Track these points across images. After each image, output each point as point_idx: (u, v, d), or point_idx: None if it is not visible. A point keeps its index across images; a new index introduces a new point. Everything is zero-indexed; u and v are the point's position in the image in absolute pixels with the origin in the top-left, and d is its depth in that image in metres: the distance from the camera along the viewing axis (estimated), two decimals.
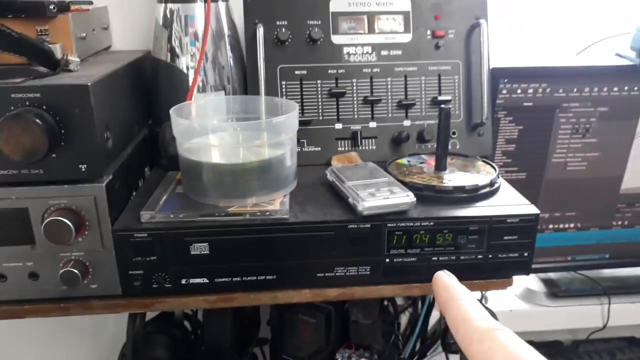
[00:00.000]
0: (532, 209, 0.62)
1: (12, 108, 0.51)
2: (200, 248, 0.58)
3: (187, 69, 0.73)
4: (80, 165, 0.54)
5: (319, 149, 0.77)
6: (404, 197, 0.60)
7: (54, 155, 0.53)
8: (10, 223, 0.55)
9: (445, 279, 0.32)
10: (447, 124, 0.67)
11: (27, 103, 0.51)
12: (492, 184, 0.66)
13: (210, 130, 0.63)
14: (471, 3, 0.79)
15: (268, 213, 0.59)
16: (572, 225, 1.02)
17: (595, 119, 0.93)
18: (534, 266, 0.64)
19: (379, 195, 0.60)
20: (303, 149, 0.77)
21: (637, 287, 1.09)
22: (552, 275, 1.11)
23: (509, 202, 0.64)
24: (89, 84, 0.52)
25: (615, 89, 0.91)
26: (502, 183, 0.68)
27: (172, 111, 0.61)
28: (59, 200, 0.55)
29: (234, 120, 0.71)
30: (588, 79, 0.90)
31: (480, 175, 0.68)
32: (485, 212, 0.61)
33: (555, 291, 1.07)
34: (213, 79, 0.74)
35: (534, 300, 1.07)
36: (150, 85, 0.76)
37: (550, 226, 1.01)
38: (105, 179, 0.56)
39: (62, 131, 0.53)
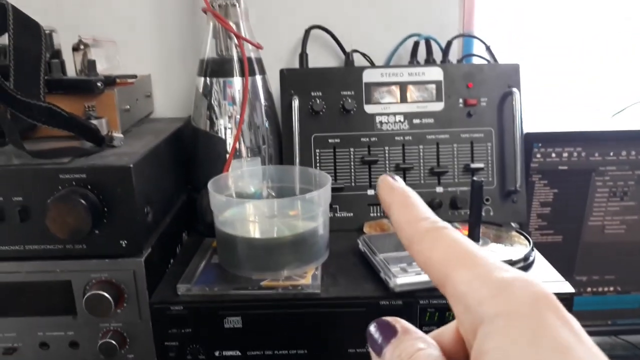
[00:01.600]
0: (567, 287, 0.60)
1: (60, 188, 0.54)
2: (233, 322, 0.59)
3: (225, 134, 0.76)
4: (121, 241, 0.56)
5: (352, 214, 0.78)
6: None
7: (96, 232, 0.55)
8: (54, 294, 0.57)
9: (390, 182, 0.31)
10: (479, 196, 0.67)
11: (74, 183, 0.54)
12: (526, 258, 0.65)
13: (245, 203, 0.64)
14: (503, 71, 0.80)
15: (300, 287, 0.59)
16: (611, 288, 0.99)
17: (634, 182, 0.91)
18: None
19: (410, 271, 0.60)
20: (336, 214, 0.78)
21: None
22: (592, 339, 1.07)
23: (544, 279, 0.62)
24: (131, 165, 0.54)
25: None
26: (537, 256, 0.67)
27: (209, 185, 0.63)
28: (100, 274, 0.57)
29: (270, 188, 0.73)
30: (624, 143, 0.88)
31: (514, 247, 0.67)
32: None
33: None
34: (250, 143, 0.77)
35: None
36: (190, 153, 0.79)
37: (589, 289, 0.98)
38: (144, 253, 0.58)
39: (105, 209, 0.55)
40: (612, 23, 0.96)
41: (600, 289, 0.98)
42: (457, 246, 0.25)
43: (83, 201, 0.52)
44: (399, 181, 0.31)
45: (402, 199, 0.29)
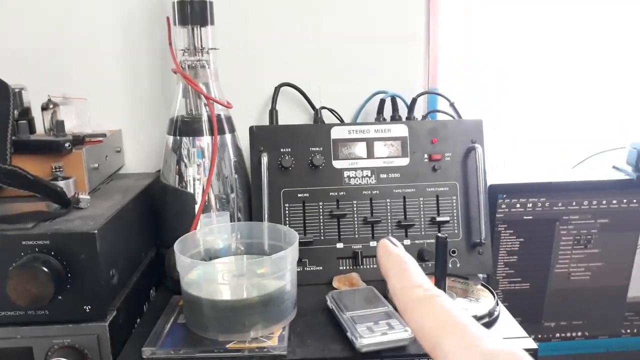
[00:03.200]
0: (531, 343, 0.61)
1: (22, 254, 0.54)
2: None
3: (194, 189, 0.76)
4: (85, 307, 0.56)
5: (321, 268, 0.79)
6: (402, 333, 0.60)
7: (59, 297, 0.55)
8: None
9: (389, 247, 0.31)
10: (444, 251, 0.68)
11: (37, 249, 0.54)
12: (490, 313, 0.66)
13: (211, 264, 0.65)
14: (467, 127, 0.82)
15: (266, 349, 0.59)
16: (579, 333, 1.00)
17: (597, 230, 0.93)
18: None
19: (377, 330, 0.60)
20: (305, 268, 0.78)
21: None
22: None
23: (508, 335, 0.63)
24: (95, 231, 0.55)
25: (614, 201, 0.92)
26: (502, 311, 0.68)
27: (175, 246, 0.63)
28: (63, 340, 0.56)
29: (239, 243, 0.73)
30: (586, 193, 0.91)
31: (480, 302, 0.68)
32: None
33: None
34: (218, 191, 0.77)
35: None
36: (159, 208, 0.79)
37: (557, 335, 0.99)
38: (108, 317, 0.58)
39: (69, 275, 0.55)
40: (572, 77, 1.01)
41: (568, 334, 1.00)
42: (447, 315, 0.26)
43: (45, 269, 0.52)
44: (398, 247, 0.32)
45: (398, 265, 0.30)
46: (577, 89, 1.01)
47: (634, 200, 0.92)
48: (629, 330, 1.01)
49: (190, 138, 0.76)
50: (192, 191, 0.76)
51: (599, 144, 1.01)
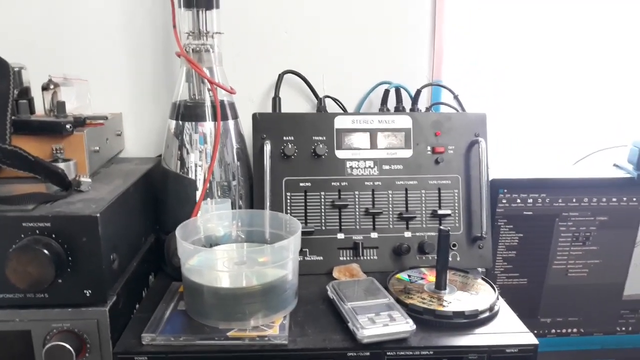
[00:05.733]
0: (531, 339, 0.61)
1: (22, 236, 0.53)
2: None
3: (195, 175, 0.75)
4: (85, 291, 0.55)
5: (321, 258, 0.78)
6: (404, 325, 0.60)
7: (59, 281, 0.54)
8: (12, 345, 0.56)
9: None
10: (446, 244, 0.69)
11: (37, 232, 0.53)
12: (491, 308, 0.66)
13: (213, 251, 0.64)
14: (470, 120, 0.82)
15: (267, 338, 0.59)
16: (575, 330, 1.00)
17: (595, 228, 0.93)
18: None
19: (378, 322, 0.60)
20: (306, 257, 0.78)
21: None
22: None
23: (508, 330, 0.63)
24: (97, 214, 0.54)
25: (614, 199, 0.92)
26: (502, 305, 0.68)
27: (177, 231, 0.62)
28: (62, 324, 0.55)
29: (239, 231, 0.73)
30: (587, 190, 0.91)
31: (480, 296, 0.68)
32: (484, 340, 0.61)
33: None
34: (220, 178, 0.76)
35: None
36: (159, 194, 0.78)
37: (553, 331, 1.00)
38: (108, 302, 0.57)
39: (70, 258, 0.54)
40: (576, 73, 1.00)
41: (564, 331, 1.00)
42: None
43: (46, 251, 0.51)
44: None
45: None
46: (581, 86, 1.01)
47: (634, 199, 0.93)
48: (624, 328, 1.01)
49: (193, 123, 0.75)
50: (193, 177, 0.75)
51: (601, 142, 1.00)
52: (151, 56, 0.88)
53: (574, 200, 0.92)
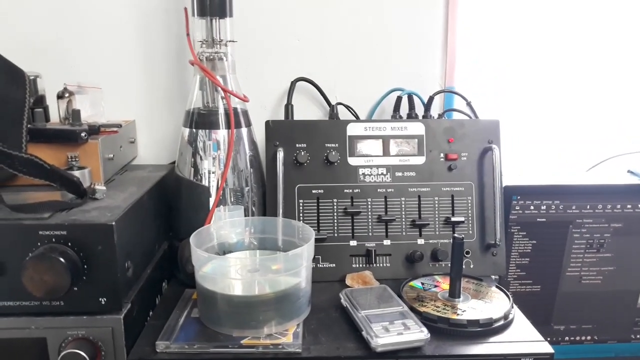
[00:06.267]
0: (547, 348, 0.61)
1: (38, 244, 0.53)
2: None
3: (209, 182, 0.76)
4: (100, 299, 0.55)
5: (334, 265, 0.78)
6: (419, 334, 0.60)
7: (75, 289, 0.55)
8: (28, 352, 0.56)
9: None
10: (460, 252, 0.68)
11: (53, 240, 0.53)
12: (506, 316, 0.65)
13: (226, 259, 0.64)
14: (484, 127, 0.82)
15: (281, 346, 0.59)
16: (589, 337, 0.99)
17: (610, 235, 0.93)
18: None
19: (393, 330, 0.60)
20: (318, 265, 0.78)
21: None
22: None
23: (523, 338, 0.63)
24: (113, 222, 0.54)
25: (629, 206, 0.91)
26: (516, 313, 0.68)
27: (192, 238, 0.63)
28: (77, 331, 0.56)
29: (252, 238, 0.73)
30: (601, 196, 0.90)
31: (494, 304, 0.68)
32: (499, 349, 0.60)
33: None
34: (233, 185, 0.77)
35: None
36: (173, 201, 0.78)
37: (567, 338, 0.99)
38: (123, 309, 0.57)
39: (85, 266, 0.54)
40: (593, 80, 1.00)
41: (577, 338, 0.99)
42: None
43: (62, 259, 0.51)
44: None
45: None
46: (596, 92, 1.00)
47: None
48: (638, 336, 1.00)
49: (207, 131, 0.75)
50: (207, 184, 0.75)
51: (615, 148, 1.00)
52: (165, 64, 0.89)
53: (588, 207, 0.91)
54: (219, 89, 0.74)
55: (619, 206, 0.91)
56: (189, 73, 0.84)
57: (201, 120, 0.75)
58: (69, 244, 0.54)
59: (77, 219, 0.55)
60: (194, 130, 0.76)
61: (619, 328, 0.99)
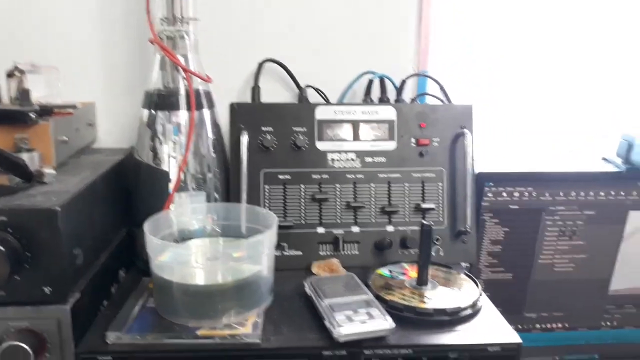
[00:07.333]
0: (515, 337, 0.59)
1: None
2: None
3: (169, 167, 0.72)
4: (44, 288, 0.52)
5: (300, 253, 0.76)
6: (383, 323, 0.58)
7: (17, 278, 0.51)
8: None
9: None
10: (428, 240, 0.66)
11: None
12: (474, 305, 0.64)
13: (184, 247, 0.61)
14: (456, 112, 0.80)
15: (238, 337, 0.56)
16: (560, 325, 0.99)
17: (582, 222, 0.92)
18: None
19: (356, 320, 0.58)
20: (284, 252, 0.75)
21: None
22: None
23: (491, 327, 0.61)
24: (57, 207, 0.51)
25: (602, 193, 0.90)
26: (485, 302, 0.66)
27: (145, 226, 0.60)
28: (20, 322, 0.53)
29: (215, 225, 0.70)
30: (574, 184, 0.90)
31: (462, 292, 0.66)
32: (466, 339, 0.59)
33: None
34: (195, 171, 0.73)
35: None
36: (131, 185, 0.75)
37: (538, 326, 0.99)
38: (71, 300, 0.54)
39: (28, 254, 0.51)
40: (566, 67, 0.99)
41: (548, 326, 0.99)
42: None
43: (1, 247, 0.48)
44: None
45: None
46: (570, 80, 0.99)
47: (622, 193, 0.91)
48: (609, 323, 1.00)
49: (167, 113, 0.72)
50: (166, 169, 0.72)
51: (590, 135, 0.99)
52: (124, 43, 0.85)
53: (561, 194, 0.90)
54: (180, 69, 0.70)
55: (592, 193, 0.90)
56: (150, 52, 0.80)
57: (161, 101, 0.72)
58: (10, 230, 0.50)
59: (21, 204, 0.52)
60: (153, 112, 0.72)
61: (590, 315, 0.99)
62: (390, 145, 0.78)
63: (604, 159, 0.95)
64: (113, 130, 0.87)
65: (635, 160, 0.88)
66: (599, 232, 0.93)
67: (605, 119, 1.02)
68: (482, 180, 0.86)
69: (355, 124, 0.78)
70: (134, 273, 0.72)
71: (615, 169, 0.90)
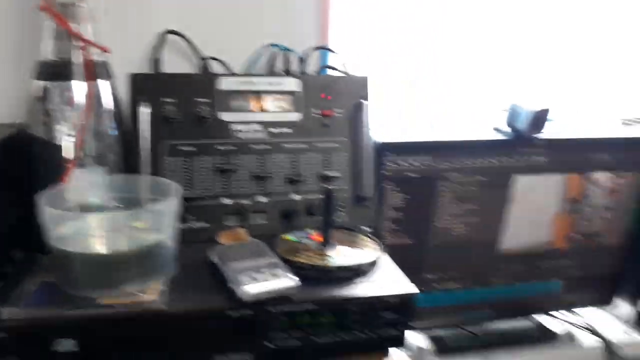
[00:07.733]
0: (412, 288, 0.64)
1: None
2: (67, 345, 0.54)
3: (65, 142, 0.69)
4: None
5: (207, 225, 0.76)
6: (287, 281, 0.60)
7: None
8: None
9: None
10: (329, 203, 0.69)
11: None
12: (375, 261, 0.68)
13: (82, 217, 0.60)
14: (354, 84, 0.83)
15: (142, 303, 0.56)
16: (457, 285, 1.07)
17: (475, 188, 0.99)
18: (422, 325, 0.65)
19: (261, 279, 0.60)
20: (191, 225, 0.75)
21: (516, 340, 1.16)
22: (441, 332, 1.15)
23: (391, 280, 0.66)
24: None
25: (492, 160, 0.98)
26: (385, 259, 0.71)
27: (41, 199, 0.57)
28: None
29: (116, 199, 0.68)
30: (467, 152, 0.96)
31: (365, 251, 0.70)
32: (366, 291, 0.63)
33: (443, 348, 1.11)
34: (93, 151, 0.71)
35: (423, 358, 1.10)
36: (24, 162, 0.71)
37: (437, 286, 1.05)
38: None
39: None
40: (469, 38, 1.05)
41: (447, 286, 1.06)
42: None
43: None
44: None
45: None
46: (474, 50, 1.05)
47: (509, 159, 0.99)
48: (499, 280, 1.09)
49: (60, 84, 0.69)
50: (62, 143, 0.69)
51: (488, 107, 1.06)
52: (12, 10, 0.79)
53: (455, 162, 0.96)
54: (75, 38, 0.67)
55: (482, 160, 0.98)
56: (40, 19, 0.75)
57: (54, 71, 0.69)
58: None
59: None
60: (46, 83, 0.69)
61: (483, 274, 1.07)
62: (295, 117, 0.80)
63: (496, 128, 1.02)
64: (1, 103, 0.81)
65: (520, 127, 0.95)
66: (489, 196, 1.01)
67: (504, 91, 1.09)
68: (383, 150, 0.91)
69: (259, 95, 0.79)
70: (31, 254, 0.69)
71: (503, 137, 0.98)
